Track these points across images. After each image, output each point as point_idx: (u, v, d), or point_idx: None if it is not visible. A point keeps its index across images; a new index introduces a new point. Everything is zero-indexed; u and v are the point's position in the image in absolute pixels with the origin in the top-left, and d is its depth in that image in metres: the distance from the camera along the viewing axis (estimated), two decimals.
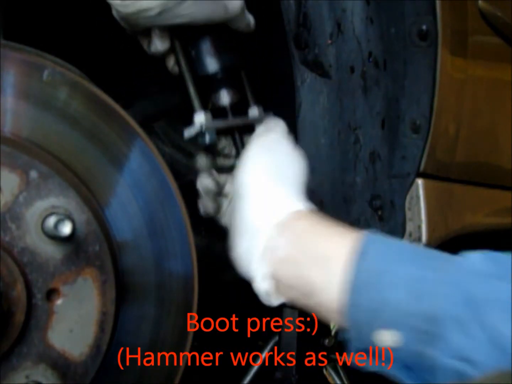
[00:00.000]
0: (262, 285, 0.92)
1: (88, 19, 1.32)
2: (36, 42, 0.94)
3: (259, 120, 1.11)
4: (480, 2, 1.26)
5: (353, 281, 0.82)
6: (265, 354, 1.67)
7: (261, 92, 1.34)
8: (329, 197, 1.28)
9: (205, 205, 1.08)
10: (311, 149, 1.28)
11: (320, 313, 0.89)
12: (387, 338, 0.80)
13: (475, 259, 0.81)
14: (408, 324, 0.79)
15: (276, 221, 0.92)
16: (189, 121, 1.04)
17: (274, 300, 0.93)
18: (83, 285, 0.86)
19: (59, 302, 0.86)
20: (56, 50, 0.96)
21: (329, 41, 1.23)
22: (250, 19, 1.06)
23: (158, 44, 1.02)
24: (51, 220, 0.81)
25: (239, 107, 1.09)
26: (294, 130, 1.29)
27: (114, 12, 0.96)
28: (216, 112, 1.06)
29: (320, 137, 1.28)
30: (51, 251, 0.85)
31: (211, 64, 1.05)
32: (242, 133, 1.09)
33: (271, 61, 1.31)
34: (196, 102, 1.04)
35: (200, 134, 1.03)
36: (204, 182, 1.06)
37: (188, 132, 1.04)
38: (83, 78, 0.94)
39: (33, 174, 0.84)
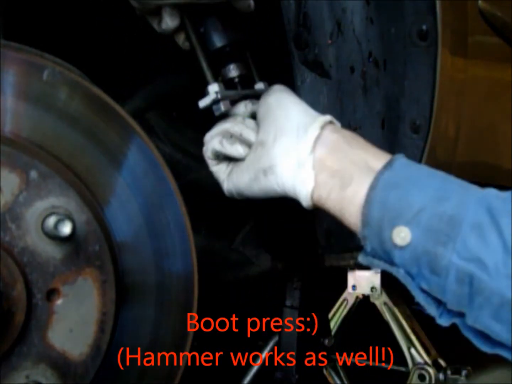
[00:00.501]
0: (306, 175, 0.94)
1: (88, 19, 1.32)
2: (36, 42, 0.94)
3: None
4: (480, 2, 1.26)
5: (383, 179, 0.88)
6: (265, 354, 1.67)
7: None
8: None
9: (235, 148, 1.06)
10: None
11: (346, 209, 0.91)
12: (403, 235, 0.84)
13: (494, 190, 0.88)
14: (426, 222, 0.83)
15: (321, 120, 0.97)
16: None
17: (306, 190, 0.95)
18: (83, 285, 0.86)
19: (59, 302, 0.86)
20: (56, 50, 0.96)
21: (329, 41, 1.23)
22: (251, 1, 1.09)
23: (169, 22, 1.06)
24: (51, 220, 0.81)
25: (246, 84, 1.14)
26: None
27: None
28: (226, 85, 1.10)
29: None
30: (51, 251, 0.85)
31: (220, 39, 1.10)
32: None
33: (271, 60, 1.31)
34: (208, 74, 1.09)
35: (215, 103, 1.07)
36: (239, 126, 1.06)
37: (203, 102, 1.08)
38: (83, 78, 0.94)
39: (33, 174, 0.84)
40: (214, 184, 1.09)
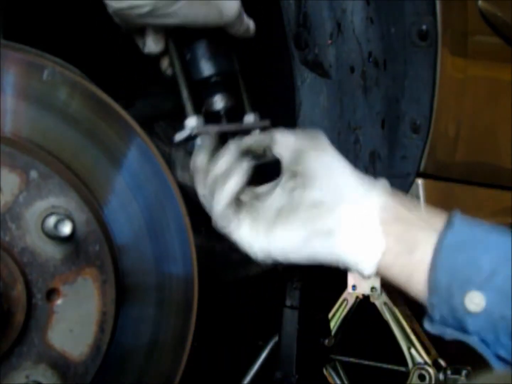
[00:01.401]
0: (374, 240, 0.89)
1: (88, 19, 1.32)
2: (36, 42, 0.94)
3: (254, 127, 1.07)
4: (480, 2, 1.26)
5: (447, 241, 0.84)
6: (265, 354, 1.67)
7: (261, 93, 1.33)
8: None
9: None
10: None
11: (417, 273, 0.87)
12: (477, 300, 0.81)
13: None
14: (501, 286, 0.80)
15: (382, 187, 0.92)
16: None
17: (375, 256, 0.90)
18: (83, 285, 0.86)
19: (59, 302, 0.85)
20: (56, 50, 0.96)
21: (329, 41, 1.23)
22: (250, 23, 1.03)
23: (152, 45, 1.00)
24: (51, 220, 0.81)
25: (235, 114, 1.07)
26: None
27: (108, 8, 0.96)
28: (211, 117, 1.03)
29: None
30: (51, 251, 0.85)
31: (206, 68, 1.02)
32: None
33: (271, 61, 1.31)
34: (188, 106, 1.01)
35: (190, 138, 1.00)
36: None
37: (179, 136, 1.01)
38: (83, 78, 0.94)
39: (33, 174, 0.84)
40: None
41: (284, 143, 0.95)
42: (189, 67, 1.03)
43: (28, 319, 0.84)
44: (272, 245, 0.90)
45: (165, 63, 1.05)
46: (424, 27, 1.18)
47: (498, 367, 0.81)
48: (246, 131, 1.06)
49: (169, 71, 1.05)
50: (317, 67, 1.25)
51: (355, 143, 1.28)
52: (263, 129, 1.07)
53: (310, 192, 0.91)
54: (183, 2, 0.93)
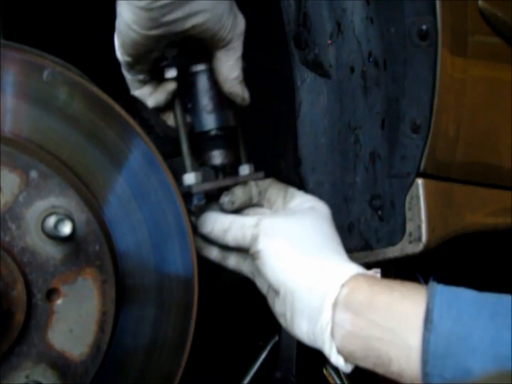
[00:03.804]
0: (338, 360, 0.91)
1: (88, 19, 1.32)
2: (36, 42, 0.94)
3: (249, 180, 1.08)
4: (480, 2, 1.27)
5: (432, 350, 0.80)
6: (265, 354, 1.67)
7: (261, 93, 1.33)
8: (329, 197, 1.28)
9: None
10: (311, 149, 1.29)
11: (403, 380, 0.86)
12: None
13: None
14: None
15: (332, 296, 0.89)
16: None
17: (350, 368, 0.92)
18: (83, 285, 0.86)
19: (59, 302, 0.86)
20: (56, 50, 0.96)
21: (329, 41, 1.23)
22: (246, 93, 1.03)
23: (159, 96, 1.00)
24: (51, 220, 0.81)
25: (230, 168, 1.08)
26: (294, 130, 1.29)
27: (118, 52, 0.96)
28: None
29: (320, 137, 1.28)
30: (51, 251, 0.85)
31: (207, 122, 1.03)
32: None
33: (271, 61, 1.31)
34: (187, 162, 1.01)
35: (188, 195, 1.01)
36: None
37: None
38: (83, 78, 0.94)
39: (33, 174, 0.84)
40: None
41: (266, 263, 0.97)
42: (190, 116, 1.03)
43: (28, 319, 0.84)
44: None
45: (166, 114, 1.05)
46: (424, 27, 1.18)
47: None
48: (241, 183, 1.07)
49: (171, 121, 1.05)
50: (317, 67, 1.25)
51: (355, 143, 1.28)
52: (258, 180, 1.09)
53: (276, 300, 0.97)
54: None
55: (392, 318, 0.85)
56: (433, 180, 1.28)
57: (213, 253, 1.07)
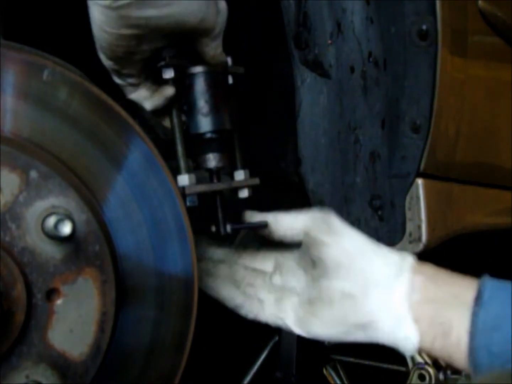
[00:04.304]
0: (413, 326, 0.92)
1: (88, 19, 1.32)
2: (36, 42, 0.94)
3: (244, 186, 1.08)
4: (480, 2, 1.27)
5: (480, 322, 0.86)
6: (265, 354, 1.67)
7: (261, 92, 1.34)
8: (329, 197, 1.28)
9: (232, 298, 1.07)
10: (311, 149, 1.29)
11: (455, 355, 0.90)
12: None
13: None
14: None
15: (409, 263, 0.94)
16: None
17: (412, 345, 0.93)
18: (83, 285, 0.86)
19: (59, 302, 0.85)
20: (56, 50, 0.96)
21: (329, 41, 1.23)
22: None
23: (158, 100, 1.00)
24: (51, 220, 0.81)
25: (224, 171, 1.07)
26: (294, 130, 1.29)
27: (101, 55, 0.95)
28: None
29: (320, 137, 1.28)
30: (51, 251, 0.85)
31: (202, 124, 1.02)
32: (223, 198, 1.06)
33: (271, 61, 1.31)
34: (182, 164, 1.01)
35: (182, 196, 0.99)
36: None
37: None
38: (83, 78, 0.94)
39: (33, 174, 0.84)
40: None
41: (289, 224, 1.00)
42: (186, 118, 1.03)
43: (28, 319, 0.84)
44: (310, 333, 0.98)
45: (161, 115, 1.05)
46: (424, 27, 1.18)
47: None
48: (233, 190, 1.07)
49: (166, 123, 1.05)
50: (317, 67, 1.25)
51: (355, 143, 1.28)
52: (253, 187, 1.09)
53: (337, 283, 0.95)
54: None
55: (454, 290, 0.91)
56: (433, 180, 1.28)
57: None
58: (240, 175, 1.09)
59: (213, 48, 0.98)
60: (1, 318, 0.81)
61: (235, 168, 1.09)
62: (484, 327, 0.86)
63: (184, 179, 1.00)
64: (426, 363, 1.68)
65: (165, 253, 0.96)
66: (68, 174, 0.88)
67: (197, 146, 1.04)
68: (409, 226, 1.26)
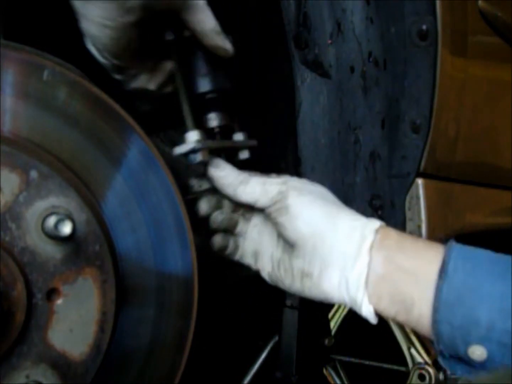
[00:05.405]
0: (368, 310, 0.93)
1: None
2: (36, 42, 0.94)
3: (245, 146, 1.10)
4: (480, 2, 1.26)
5: (443, 296, 0.86)
6: (265, 354, 1.67)
7: (261, 92, 1.34)
8: None
9: (219, 242, 1.07)
10: (311, 149, 1.29)
11: (418, 327, 0.91)
12: (479, 353, 0.83)
13: None
14: (498, 339, 0.82)
15: (369, 242, 0.93)
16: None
17: (373, 320, 0.94)
18: (83, 285, 0.86)
19: (59, 302, 0.85)
20: (56, 50, 0.96)
21: (329, 41, 1.23)
22: (227, 44, 1.02)
23: (160, 77, 1.02)
24: (51, 220, 0.81)
25: (225, 134, 1.09)
26: (294, 130, 1.29)
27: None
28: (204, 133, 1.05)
29: (320, 137, 1.28)
30: (51, 251, 0.85)
31: (202, 85, 1.04)
32: (228, 156, 1.08)
33: (271, 61, 1.31)
34: (189, 121, 1.03)
35: (192, 152, 1.02)
36: (219, 218, 1.05)
37: (180, 149, 1.03)
38: (83, 78, 0.94)
39: (33, 174, 0.84)
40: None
41: (249, 200, 1.01)
42: (187, 81, 1.05)
43: (28, 319, 0.84)
44: (278, 287, 1.04)
45: (158, 79, 1.06)
46: (424, 27, 1.18)
47: None
48: (237, 148, 1.10)
49: (169, 88, 1.07)
50: (317, 67, 1.25)
51: (355, 143, 1.28)
52: (251, 148, 1.11)
53: (297, 262, 0.98)
54: None
55: (418, 263, 0.90)
56: (433, 180, 1.28)
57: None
58: (239, 137, 1.10)
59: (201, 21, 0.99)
60: (1, 318, 0.81)
61: (233, 132, 1.11)
62: (447, 301, 0.86)
63: (194, 135, 1.02)
64: (426, 363, 1.69)
65: (165, 253, 0.96)
66: (68, 174, 0.89)
67: (198, 107, 1.06)
68: (409, 226, 1.26)
